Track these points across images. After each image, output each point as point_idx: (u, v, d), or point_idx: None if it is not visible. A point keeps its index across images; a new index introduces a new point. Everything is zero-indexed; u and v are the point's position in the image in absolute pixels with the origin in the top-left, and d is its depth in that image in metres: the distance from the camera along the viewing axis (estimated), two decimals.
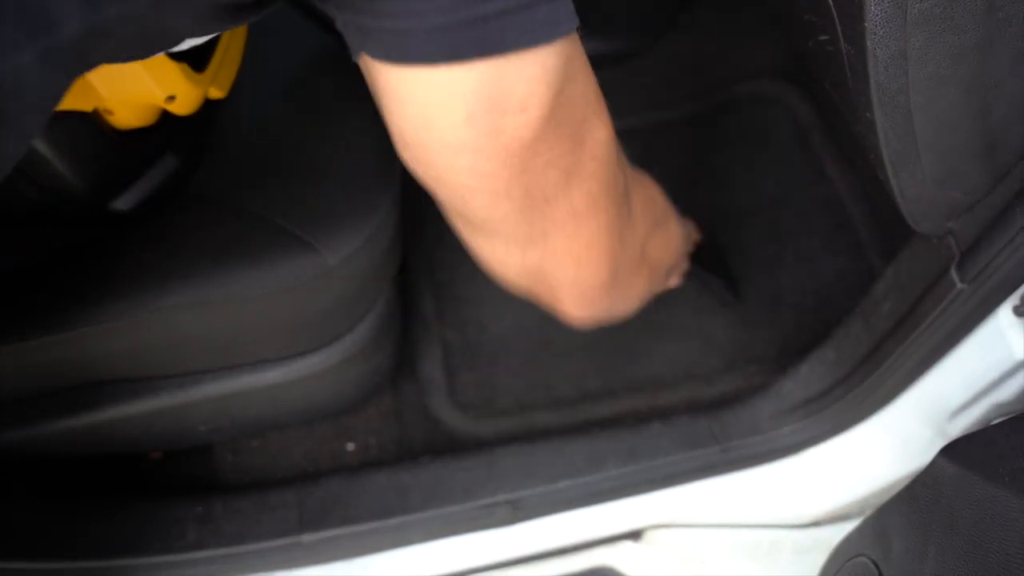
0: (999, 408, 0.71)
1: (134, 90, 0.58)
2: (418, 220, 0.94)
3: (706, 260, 0.93)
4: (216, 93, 0.65)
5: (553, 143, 0.42)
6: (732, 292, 0.99)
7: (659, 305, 1.01)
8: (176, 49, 0.47)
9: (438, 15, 0.36)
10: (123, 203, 0.66)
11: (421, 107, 0.39)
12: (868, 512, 0.64)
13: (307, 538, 0.79)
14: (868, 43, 0.45)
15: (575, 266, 0.51)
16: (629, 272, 0.57)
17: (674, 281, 0.80)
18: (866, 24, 0.45)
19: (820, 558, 0.71)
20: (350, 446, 0.94)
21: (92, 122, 0.60)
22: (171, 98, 0.60)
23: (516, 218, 0.46)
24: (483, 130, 0.40)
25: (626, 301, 0.61)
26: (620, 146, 0.50)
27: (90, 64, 0.37)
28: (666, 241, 0.70)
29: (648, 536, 0.85)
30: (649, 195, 0.66)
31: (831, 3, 0.49)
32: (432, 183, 0.45)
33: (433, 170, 0.43)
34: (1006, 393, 0.69)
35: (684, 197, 1.10)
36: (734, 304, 0.99)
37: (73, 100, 0.57)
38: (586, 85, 0.44)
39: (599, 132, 0.46)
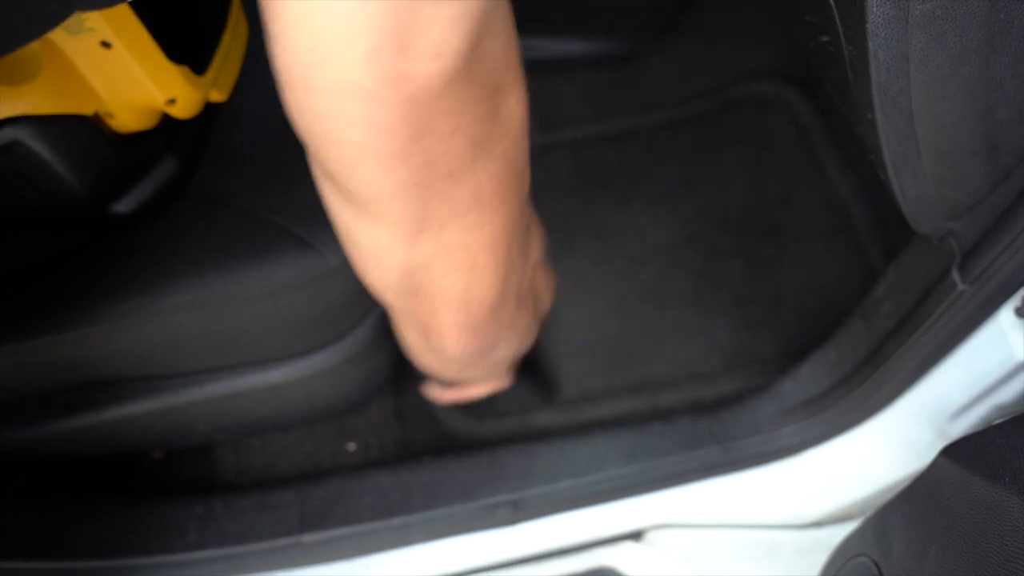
0: (1000, 409, 0.71)
1: (135, 93, 0.58)
2: None
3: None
4: (217, 96, 0.65)
5: (464, 105, 0.36)
6: (550, 390, 0.95)
7: (660, 305, 1.01)
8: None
9: None
10: (124, 206, 0.66)
11: (315, 35, 0.33)
12: (869, 513, 0.64)
13: (308, 538, 0.79)
14: (870, 44, 0.45)
15: (468, 272, 0.44)
16: (517, 300, 0.50)
17: (537, 325, 0.63)
18: (868, 25, 0.45)
19: (821, 559, 0.71)
20: (351, 446, 0.94)
21: (93, 125, 0.60)
22: (172, 101, 0.60)
23: (411, 194, 0.39)
24: (386, 72, 0.33)
25: (506, 341, 0.52)
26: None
27: None
28: (548, 283, 0.63)
29: (649, 536, 0.85)
30: (539, 227, 0.56)
31: (832, 4, 0.49)
32: (316, 138, 0.38)
33: (320, 122, 0.36)
34: (1007, 394, 0.69)
35: (685, 198, 1.10)
36: (550, 402, 0.93)
37: (73, 103, 0.57)
38: (508, 47, 0.38)
39: (515, 107, 0.40)
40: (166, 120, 0.64)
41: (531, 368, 0.93)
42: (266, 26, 0.35)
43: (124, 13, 0.56)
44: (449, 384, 0.71)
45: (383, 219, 0.41)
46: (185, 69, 0.60)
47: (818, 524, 0.85)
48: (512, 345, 0.55)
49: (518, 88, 0.40)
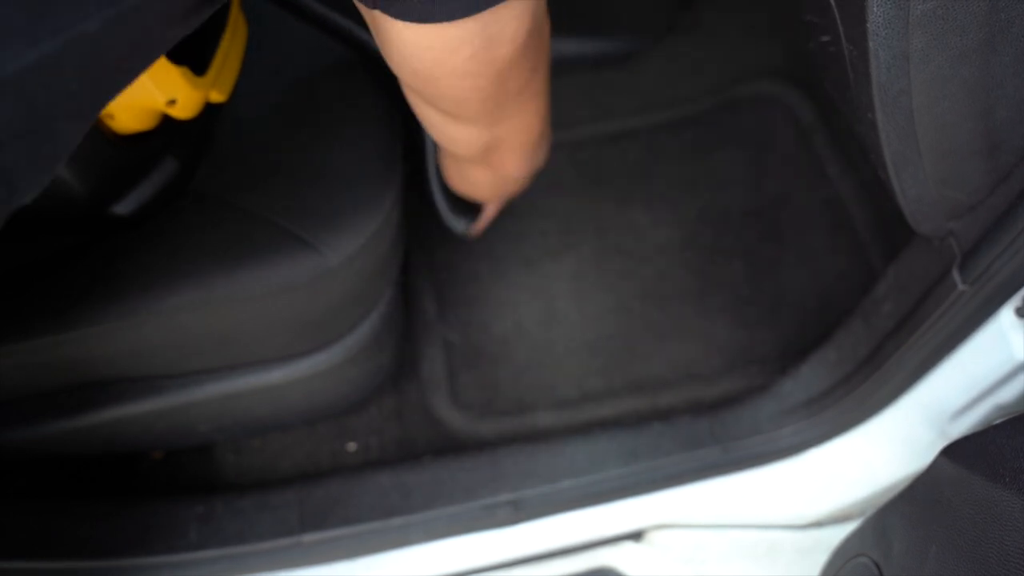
0: (1001, 409, 0.71)
1: (135, 94, 0.58)
2: (419, 221, 0.94)
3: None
4: (217, 97, 0.65)
5: (530, 54, 0.54)
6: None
7: (660, 305, 1.01)
8: None
9: None
10: (124, 207, 0.66)
11: (437, 52, 0.49)
12: (869, 513, 0.64)
13: (308, 538, 0.79)
14: (870, 44, 0.45)
15: (527, 132, 0.66)
16: (546, 133, 0.73)
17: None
18: (868, 25, 0.45)
19: (821, 559, 0.71)
20: (351, 446, 0.94)
21: (93, 126, 0.60)
22: (172, 102, 0.60)
23: (493, 109, 0.58)
24: (483, 61, 0.51)
25: (539, 160, 0.76)
26: None
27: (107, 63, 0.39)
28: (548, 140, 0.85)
29: (649, 536, 0.85)
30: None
31: (833, 4, 0.49)
32: (430, 99, 0.58)
33: (436, 90, 0.55)
34: (1008, 394, 0.69)
35: (685, 198, 1.10)
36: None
37: None
38: (545, 14, 0.55)
39: (547, 29, 0.57)
40: (166, 121, 0.64)
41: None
42: (385, 46, 0.52)
43: None
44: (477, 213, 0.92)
45: (472, 120, 0.61)
46: (185, 70, 0.60)
47: (818, 524, 0.85)
48: (542, 160, 0.77)
49: (547, 22, 0.57)
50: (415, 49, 0.50)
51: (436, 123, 0.64)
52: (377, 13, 0.47)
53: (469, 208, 0.90)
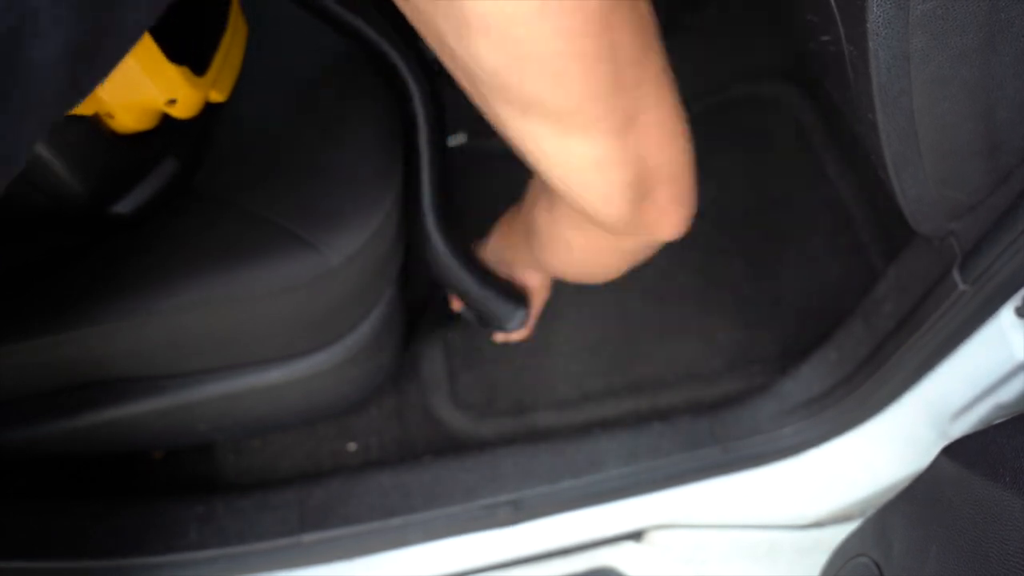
0: (1001, 409, 0.71)
1: (135, 94, 0.58)
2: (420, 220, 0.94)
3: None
4: (217, 96, 0.65)
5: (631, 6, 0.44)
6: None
7: (660, 305, 1.01)
8: None
9: None
10: (124, 207, 0.66)
11: None
12: (869, 513, 0.64)
13: (308, 538, 0.79)
14: (870, 44, 0.45)
15: (671, 141, 0.50)
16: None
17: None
18: (868, 25, 0.45)
19: (821, 559, 0.71)
20: (351, 446, 0.94)
21: (93, 126, 0.60)
22: (172, 102, 0.60)
23: (609, 89, 0.45)
24: None
25: (692, 205, 0.59)
26: None
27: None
28: None
29: (649, 536, 0.85)
30: None
31: (833, 4, 0.49)
32: (521, 65, 0.43)
33: (523, 46, 0.42)
34: (1008, 394, 0.69)
35: None
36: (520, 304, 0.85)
37: None
38: None
39: (652, 17, 0.48)
40: (166, 121, 0.64)
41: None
42: (454, 21, 0.41)
43: None
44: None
45: (593, 122, 0.46)
46: (185, 69, 0.60)
47: (818, 524, 0.85)
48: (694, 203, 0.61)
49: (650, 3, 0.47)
50: None
51: (548, 146, 0.48)
52: None
53: (513, 294, 0.71)
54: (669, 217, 0.55)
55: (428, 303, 0.97)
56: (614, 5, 0.43)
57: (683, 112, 0.51)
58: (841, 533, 0.70)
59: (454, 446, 0.92)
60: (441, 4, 0.41)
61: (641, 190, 0.52)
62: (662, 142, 0.50)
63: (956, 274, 0.61)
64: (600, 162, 0.49)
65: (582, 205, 0.53)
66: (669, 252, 1.06)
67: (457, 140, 1.10)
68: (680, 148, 0.52)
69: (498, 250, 0.78)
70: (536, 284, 0.80)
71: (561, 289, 1.03)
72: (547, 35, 0.41)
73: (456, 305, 0.85)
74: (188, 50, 0.61)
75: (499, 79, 0.44)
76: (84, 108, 0.58)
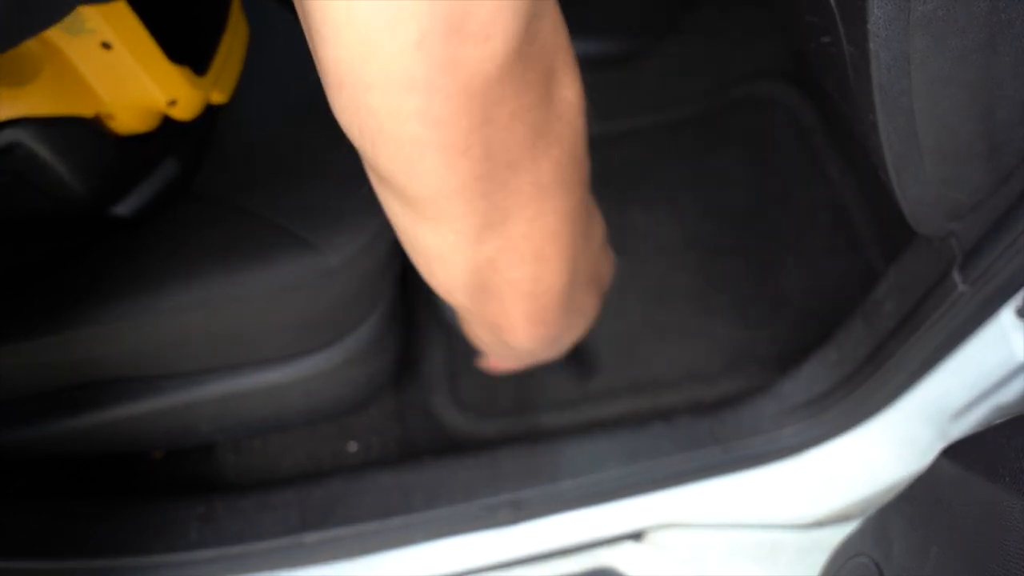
0: (1001, 410, 0.71)
1: (136, 94, 0.58)
2: None
3: None
4: (218, 97, 0.65)
5: (520, 89, 0.36)
6: (585, 373, 0.94)
7: (660, 305, 1.01)
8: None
9: None
10: (125, 208, 0.66)
11: (361, 29, 0.32)
12: (869, 513, 0.64)
13: (309, 538, 0.79)
14: (871, 45, 0.45)
15: (535, 263, 0.43)
16: (584, 284, 0.50)
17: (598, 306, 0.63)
18: (868, 26, 0.45)
19: (821, 559, 0.71)
20: (352, 446, 0.94)
21: (93, 127, 0.60)
22: (173, 102, 0.60)
23: (472, 188, 0.38)
24: (438, 60, 0.32)
25: (574, 325, 0.53)
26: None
27: None
28: (610, 262, 0.62)
29: (650, 537, 0.85)
30: (596, 209, 0.56)
31: (833, 4, 0.49)
32: (372, 137, 0.36)
33: (375, 118, 0.35)
34: (1008, 395, 0.69)
35: (686, 198, 1.10)
36: (585, 385, 0.93)
37: (74, 105, 0.57)
38: (556, 27, 0.37)
39: (568, 90, 0.39)
40: (167, 121, 0.64)
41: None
42: (309, 30, 0.35)
43: (124, 14, 0.56)
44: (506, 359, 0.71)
45: (446, 218, 0.40)
46: (186, 70, 0.60)
47: (819, 524, 0.85)
48: (579, 328, 0.55)
49: (571, 71, 0.39)
50: (331, 25, 0.33)
51: (398, 222, 0.43)
52: None
53: None
54: (517, 333, 0.47)
55: (428, 303, 0.98)
56: (505, 96, 0.35)
57: (568, 235, 0.43)
58: (841, 533, 0.70)
59: (454, 446, 0.92)
60: (304, 15, 0.35)
61: (488, 299, 0.45)
62: (525, 258, 0.42)
63: (956, 274, 0.61)
64: (444, 258, 0.42)
65: (430, 284, 0.46)
66: (669, 252, 1.06)
67: None
68: (552, 269, 0.44)
69: None
70: None
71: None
72: (407, 115, 0.34)
73: None
74: (189, 50, 0.61)
75: (351, 136, 0.38)
76: (84, 109, 0.58)
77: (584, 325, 0.56)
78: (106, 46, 0.56)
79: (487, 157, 0.37)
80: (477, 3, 0.32)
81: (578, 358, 0.95)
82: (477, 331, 0.53)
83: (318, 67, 0.36)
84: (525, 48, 0.35)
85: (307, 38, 0.36)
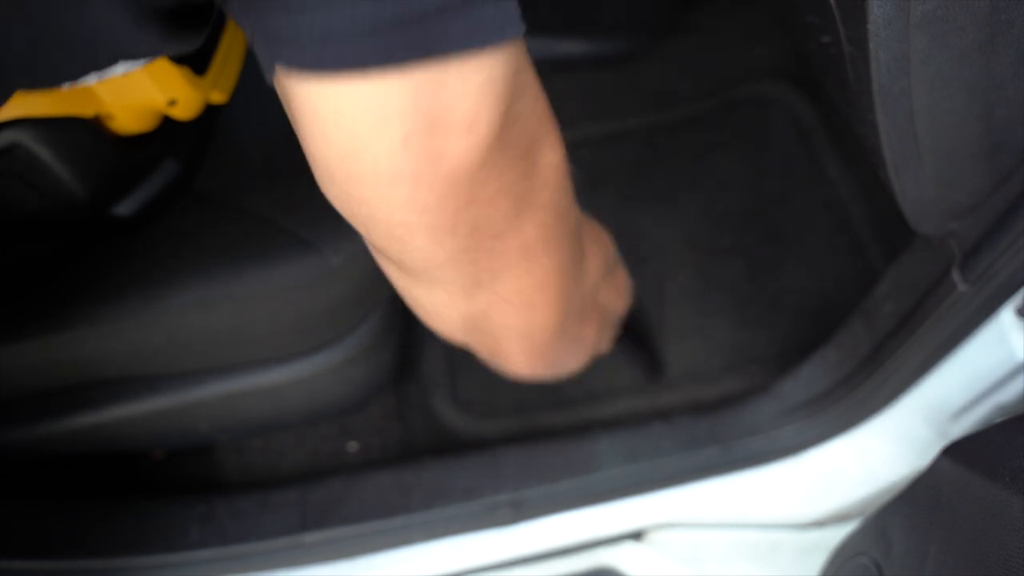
0: (1001, 409, 0.71)
1: (136, 95, 0.58)
2: None
3: (633, 329, 0.80)
4: (218, 97, 0.65)
5: (503, 168, 0.37)
6: (655, 370, 0.94)
7: (660, 306, 1.01)
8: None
9: (365, 5, 0.30)
10: (124, 208, 0.66)
11: (349, 129, 0.33)
12: (869, 513, 0.64)
13: (309, 537, 0.79)
14: (871, 45, 0.46)
15: (526, 311, 0.45)
16: (580, 319, 0.52)
17: (604, 346, 0.67)
18: (868, 26, 0.45)
19: (822, 559, 0.71)
20: (352, 446, 0.94)
21: (93, 128, 0.60)
22: (173, 103, 0.60)
23: (461, 258, 0.40)
24: (423, 154, 0.34)
25: (575, 354, 0.55)
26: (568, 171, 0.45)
27: None
28: (617, 288, 0.64)
29: (650, 536, 0.85)
30: (597, 234, 0.59)
31: (833, 5, 0.49)
32: (365, 223, 0.39)
33: (365, 207, 0.37)
34: (1008, 394, 0.69)
35: (685, 198, 1.10)
36: (655, 382, 0.94)
37: (74, 105, 0.57)
38: (536, 101, 0.39)
39: (551, 155, 0.41)
40: (167, 122, 0.64)
41: (636, 344, 0.89)
42: (298, 126, 0.36)
43: None
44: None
45: (438, 281, 0.42)
46: (186, 70, 0.60)
47: (818, 524, 0.85)
48: (582, 354, 0.57)
49: (552, 137, 0.41)
50: (318, 124, 0.34)
51: (395, 282, 0.46)
52: (280, 75, 0.33)
53: None
54: (515, 365, 0.51)
55: None
56: (488, 178, 0.36)
57: (557, 284, 0.45)
58: (841, 533, 0.70)
59: (454, 446, 0.92)
60: (290, 107, 0.36)
61: (485, 338, 0.48)
62: (518, 310, 0.45)
63: (956, 274, 0.61)
64: (440, 313, 0.46)
65: (425, 323, 0.49)
66: (669, 252, 1.06)
67: None
68: (543, 313, 0.46)
69: None
70: None
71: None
72: (395, 204, 0.36)
73: None
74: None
75: (341, 208, 0.39)
76: (84, 110, 0.58)
77: (588, 351, 0.58)
78: None
79: (473, 232, 0.39)
80: (459, 98, 0.33)
81: (644, 352, 0.94)
82: (481, 354, 0.55)
83: (308, 159, 0.37)
84: (507, 130, 0.36)
85: (296, 131, 0.37)
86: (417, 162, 0.34)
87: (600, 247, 0.58)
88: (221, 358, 0.75)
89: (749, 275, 1.02)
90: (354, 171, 0.35)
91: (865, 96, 0.50)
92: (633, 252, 1.05)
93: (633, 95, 1.16)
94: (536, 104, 0.39)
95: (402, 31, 0.30)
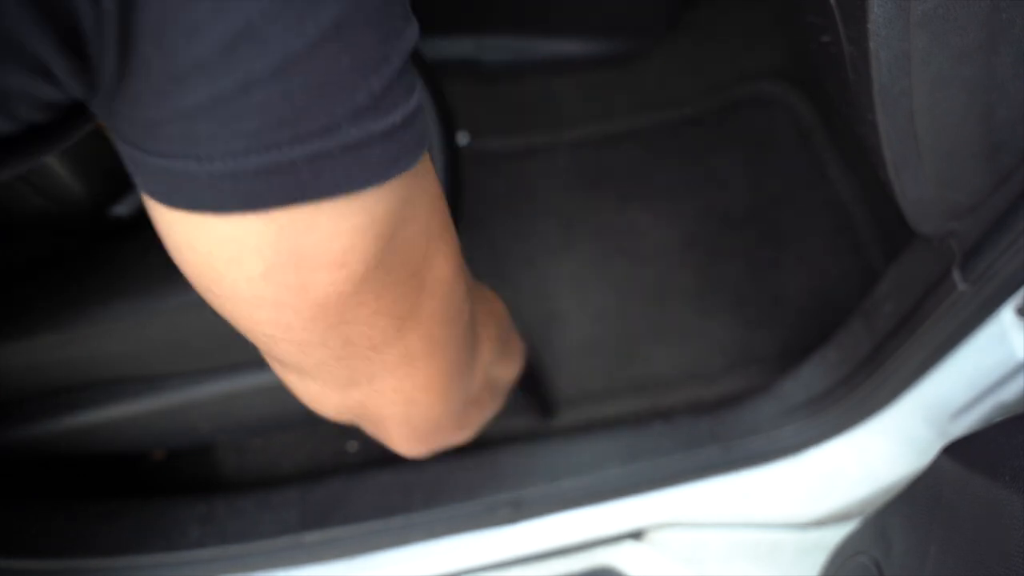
0: (1002, 409, 0.71)
1: None
2: None
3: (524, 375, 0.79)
4: None
5: (382, 292, 0.35)
6: (548, 411, 0.94)
7: (660, 305, 1.01)
8: None
9: (227, 160, 0.28)
10: (124, 208, 0.66)
11: (203, 259, 0.32)
12: (869, 512, 0.64)
13: (309, 537, 0.79)
14: (871, 44, 0.46)
15: (406, 406, 0.43)
16: (467, 405, 0.50)
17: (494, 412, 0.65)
18: (869, 25, 0.45)
19: (822, 559, 0.71)
20: (352, 445, 0.94)
21: (93, 128, 0.60)
22: None
23: (334, 365, 0.38)
24: (286, 286, 0.32)
25: (463, 431, 0.54)
26: (464, 269, 0.42)
27: None
28: (510, 358, 0.63)
29: (650, 536, 0.85)
30: (492, 310, 0.57)
31: (833, 4, 0.49)
32: (236, 326, 0.37)
33: (231, 317, 0.36)
34: (1008, 394, 0.69)
35: (685, 198, 1.10)
36: (547, 424, 0.93)
37: None
38: (429, 218, 0.36)
39: (441, 269, 0.38)
40: None
41: (527, 389, 0.91)
42: (161, 235, 0.35)
43: None
44: None
45: (310, 378, 0.41)
46: None
47: (819, 524, 0.85)
48: (469, 431, 0.56)
49: (444, 248, 0.38)
50: (177, 247, 0.33)
51: (269, 363, 0.43)
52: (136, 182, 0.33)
53: None
54: (398, 447, 0.49)
55: None
56: (364, 301, 0.34)
57: (441, 383, 0.43)
58: (841, 533, 0.70)
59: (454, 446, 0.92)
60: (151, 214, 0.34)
61: (364, 422, 0.47)
62: (396, 402, 0.43)
63: (956, 274, 0.61)
64: (315, 400, 0.43)
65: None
66: (669, 252, 1.06)
67: (461, 140, 1.10)
68: (424, 407, 0.44)
69: None
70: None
71: (561, 289, 1.03)
72: (258, 321, 0.34)
73: None
74: None
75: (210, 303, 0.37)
76: None
77: (476, 428, 0.57)
78: None
79: (347, 345, 0.36)
80: (329, 239, 0.31)
81: (538, 397, 0.94)
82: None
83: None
84: (388, 259, 0.34)
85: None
86: (279, 292, 0.32)
87: (494, 324, 0.55)
88: (221, 358, 0.75)
89: (749, 275, 1.02)
90: (216, 291, 0.34)
91: (865, 96, 0.50)
92: (633, 252, 1.05)
93: (633, 95, 1.16)
94: (429, 220, 0.36)
95: (267, 179, 0.29)
